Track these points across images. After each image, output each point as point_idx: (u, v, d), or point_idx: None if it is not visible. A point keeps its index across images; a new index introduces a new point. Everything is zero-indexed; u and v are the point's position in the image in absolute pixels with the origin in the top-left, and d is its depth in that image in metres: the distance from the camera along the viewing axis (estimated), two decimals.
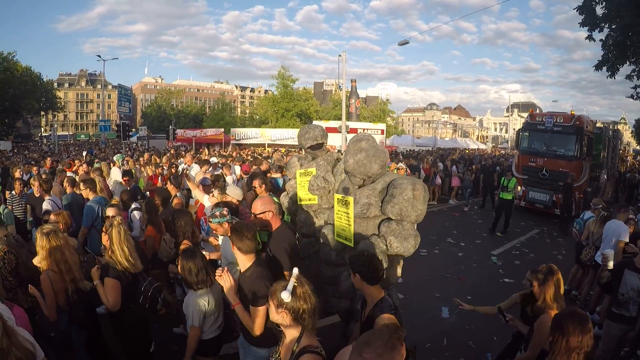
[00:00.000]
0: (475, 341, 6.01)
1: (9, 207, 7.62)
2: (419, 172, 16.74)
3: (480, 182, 18.62)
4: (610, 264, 4.86)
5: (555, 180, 14.82)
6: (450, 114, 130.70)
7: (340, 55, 26.88)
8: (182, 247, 5.20)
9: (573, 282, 8.21)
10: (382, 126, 35.83)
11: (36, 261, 3.99)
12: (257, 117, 59.62)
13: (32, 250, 4.25)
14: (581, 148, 14.81)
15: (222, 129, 38.65)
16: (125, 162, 12.54)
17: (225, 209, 4.85)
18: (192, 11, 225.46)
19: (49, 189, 7.75)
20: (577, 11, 14.37)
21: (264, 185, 7.05)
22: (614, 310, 5.07)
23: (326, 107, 55.32)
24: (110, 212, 5.55)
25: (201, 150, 27.39)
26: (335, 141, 27.25)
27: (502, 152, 49.90)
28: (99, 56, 40.97)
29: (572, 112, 15.77)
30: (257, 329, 3.29)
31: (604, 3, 13.80)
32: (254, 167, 12.39)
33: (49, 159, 15.85)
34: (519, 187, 14.72)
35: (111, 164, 11.95)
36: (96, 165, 11.90)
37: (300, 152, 6.58)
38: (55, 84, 74.99)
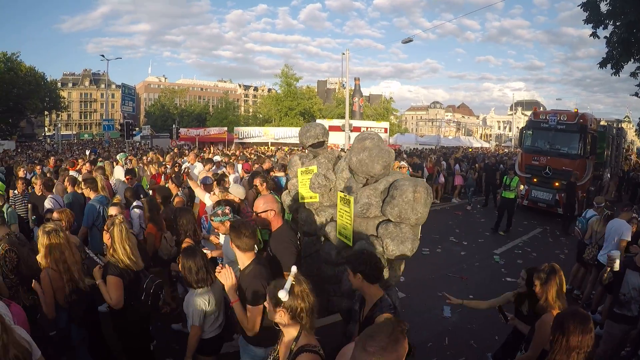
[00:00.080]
0: (477, 340, 6.00)
1: (12, 206, 7.64)
2: (422, 171, 16.69)
3: (482, 180, 18.55)
4: (617, 265, 4.84)
5: (558, 178, 14.76)
6: (453, 113, 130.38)
7: (343, 54, 26.89)
8: (183, 245, 5.20)
9: (575, 281, 8.18)
10: (386, 124, 35.91)
11: (39, 258, 4.00)
12: (261, 115, 59.73)
13: (34, 249, 4.26)
14: (585, 146, 14.72)
15: (226, 128, 38.69)
16: (128, 161, 12.55)
17: (227, 207, 4.86)
18: (195, 10, 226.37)
19: (50, 187, 7.77)
20: (581, 8, 14.27)
21: (265, 184, 7.04)
22: (616, 311, 5.05)
23: (329, 105, 55.37)
24: (112, 211, 5.58)
25: (205, 149, 27.42)
26: (338, 140, 27.27)
27: (506, 150, 49.75)
28: (103, 56, 41.22)
29: (576, 110, 15.66)
30: (252, 327, 3.28)
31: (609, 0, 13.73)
32: (256, 165, 12.39)
33: (52, 158, 15.89)
34: (522, 186, 14.67)
35: (114, 163, 11.96)
36: (99, 164, 11.93)
37: (304, 150, 6.56)
38: (59, 83, 75.29)
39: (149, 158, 15.02)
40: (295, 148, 27.33)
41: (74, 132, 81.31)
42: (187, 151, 21.60)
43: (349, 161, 4.84)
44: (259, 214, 4.11)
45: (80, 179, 8.31)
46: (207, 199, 6.88)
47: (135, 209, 6.84)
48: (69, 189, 7.81)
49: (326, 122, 30.43)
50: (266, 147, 31.37)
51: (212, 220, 4.85)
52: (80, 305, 4.04)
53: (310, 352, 2.39)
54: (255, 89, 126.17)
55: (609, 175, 19.44)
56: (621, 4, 13.08)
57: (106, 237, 4.06)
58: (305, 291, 2.49)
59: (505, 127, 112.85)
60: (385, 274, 4.46)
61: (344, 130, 26.50)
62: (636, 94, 15.77)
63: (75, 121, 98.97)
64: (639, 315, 4.97)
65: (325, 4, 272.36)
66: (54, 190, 7.87)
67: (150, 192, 9.01)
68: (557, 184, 14.78)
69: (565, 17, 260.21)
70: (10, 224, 6.46)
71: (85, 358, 4.29)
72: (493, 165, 19.16)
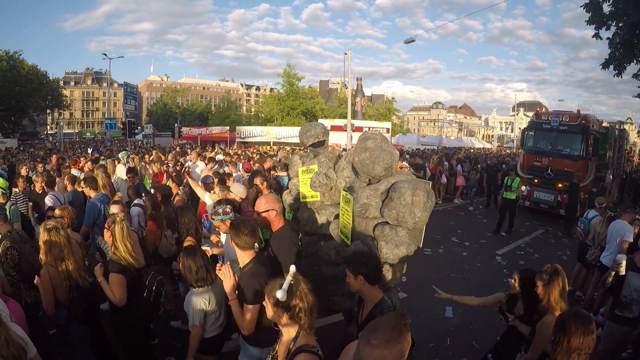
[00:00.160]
0: (479, 341, 5.98)
1: (14, 204, 7.64)
2: (425, 171, 16.67)
3: (484, 181, 18.52)
4: (623, 270, 4.84)
5: (560, 180, 14.73)
6: (455, 113, 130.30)
7: (345, 54, 26.93)
8: (185, 243, 5.20)
9: (577, 282, 8.18)
10: (388, 125, 35.92)
11: (40, 255, 4.01)
12: (263, 115, 59.74)
13: (35, 246, 4.26)
14: (587, 148, 14.68)
15: (228, 127, 38.67)
16: (130, 159, 12.56)
17: (228, 206, 4.86)
18: (197, 10, 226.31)
19: (52, 184, 7.78)
20: (584, 9, 14.26)
21: (265, 183, 7.05)
22: (617, 313, 5.05)
23: (332, 105, 55.35)
24: (113, 209, 5.58)
25: (207, 148, 27.43)
26: (340, 140, 27.27)
27: (508, 151, 49.69)
28: (105, 54, 41.11)
29: (578, 111, 15.59)
30: (247, 327, 3.27)
31: (611, 0, 13.69)
32: (257, 165, 12.40)
33: (54, 156, 15.90)
34: (524, 187, 14.66)
35: (115, 162, 11.97)
36: (101, 162, 11.94)
37: (305, 150, 6.54)
38: (61, 82, 75.34)
39: (151, 157, 15.02)
40: (297, 148, 27.34)
41: (76, 131, 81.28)
42: (189, 150, 21.64)
43: (352, 161, 4.81)
44: (260, 214, 4.07)
45: (81, 177, 8.32)
46: (208, 198, 6.88)
47: (134, 207, 6.84)
48: (69, 188, 7.82)
49: (328, 122, 30.51)
50: (268, 147, 31.35)
51: (213, 219, 4.85)
52: (80, 302, 4.04)
53: (309, 353, 2.38)
54: (258, 88, 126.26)
55: (611, 176, 19.39)
56: (624, 5, 13.06)
57: (107, 235, 4.05)
58: (303, 291, 2.48)
59: (507, 128, 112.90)
60: (387, 275, 4.44)
61: (346, 130, 26.51)
62: (639, 96, 15.75)
63: (77, 120, 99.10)
64: (639, 316, 4.97)
65: (327, 4, 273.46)
66: (55, 188, 7.88)
67: (152, 190, 9.04)
68: (559, 185, 14.74)
69: (568, 18, 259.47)
70: (13, 222, 6.46)
71: (86, 355, 4.29)
72: (495, 166, 19.13)
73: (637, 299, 4.89)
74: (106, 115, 48.90)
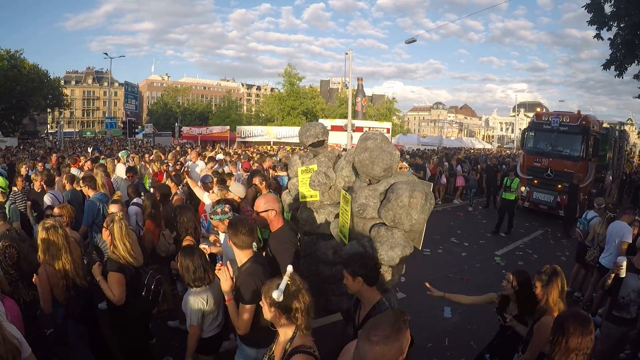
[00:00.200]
0: (477, 341, 5.97)
1: (14, 203, 7.63)
2: (425, 171, 16.65)
3: (484, 182, 18.50)
4: (623, 272, 4.84)
5: (560, 180, 14.72)
6: (456, 113, 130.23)
7: (346, 54, 26.92)
8: (184, 243, 5.20)
9: (575, 283, 8.18)
10: (388, 125, 35.91)
11: (39, 253, 4.01)
12: (263, 115, 59.72)
13: (34, 245, 4.26)
14: (587, 148, 14.67)
15: (228, 127, 38.65)
16: (130, 158, 12.56)
17: (227, 206, 4.85)
18: (199, 9, 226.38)
19: (51, 183, 7.78)
20: (585, 9, 14.23)
21: (264, 182, 7.05)
22: (615, 313, 5.06)
23: (332, 105, 55.35)
24: (113, 208, 5.57)
25: (208, 147, 27.43)
26: (341, 139, 27.28)
27: (508, 152, 49.66)
28: (106, 54, 41.11)
29: (579, 112, 15.58)
30: (243, 326, 3.26)
31: (613, 1, 13.65)
32: (256, 164, 12.40)
33: (54, 155, 15.91)
34: (523, 188, 14.65)
35: (115, 161, 11.97)
36: (101, 161, 11.94)
37: (304, 150, 6.54)
38: (62, 81, 75.29)
39: (151, 156, 15.01)
40: (297, 147, 27.33)
41: (77, 130, 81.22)
42: (189, 149, 21.63)
43: (352, 160, 4.80)
44: (259, 213, 4.04)
45: (80, 176, 8.31)
46: (206, 198, 6.88)
47: (132, 206, 6.83)
48: (67, 187, 7.81)
49: (329, 122, 30.52)
50: (268, 146, 31.35)
51: (212, 219, 4.84)
52: (77, 301, 4.04)
53: (305, 354, 2.37)
54: (258, 88, 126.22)
55: (610, 177, 19.37)
56: (626, 5, 13.03)
57: (105, 234, 4.04)
58: (300, 291, 2.47)
59: (507, 129, 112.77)
60: (386, 276, 4.42)
61: (346, 130, 26.52)
62: (639, 97, 15.72)
63: (77, 119, 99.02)
64: (637, 316, 4.98)
65: (328, 4, 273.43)
66: (55, 187, 7.88)
67: (152, 190, 9.04)
68: (559, 186, 14.74)
69: (569, 18, 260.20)
70: (12, 221, 6.45)
71: (83, 354, 4.29)
72: (494, 167, 19.11)
73: (635, 299, 4.89)
74: (107, 115, 48.92)
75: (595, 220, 7.86)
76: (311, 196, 5.85)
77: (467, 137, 77.96)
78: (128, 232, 4.07)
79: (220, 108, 68.22)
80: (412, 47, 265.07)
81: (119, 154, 13.85)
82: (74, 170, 10.18)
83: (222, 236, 5.15)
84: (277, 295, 2.38)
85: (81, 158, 14.10)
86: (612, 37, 14.19)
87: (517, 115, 78.42)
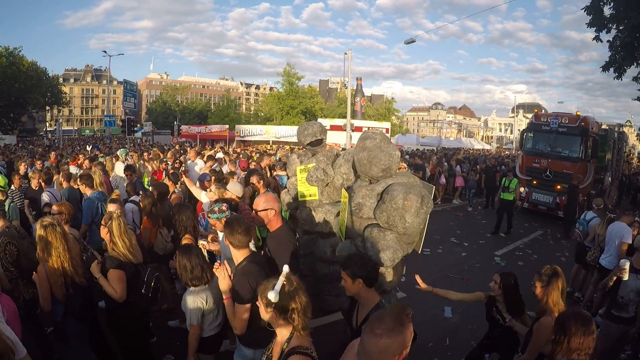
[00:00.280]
0: (478, 341, 5.98)
1: (13, 202, 7.61)
2: (424, 172, 16.64)
3: (482, 182, 18.50)
4: (626, 276, 4.85)
5: (559, 181, 14.72)
6: (455, 114, 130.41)
7: (346, 54, 26.96)
8: (183, 241, 5.19)
9: (575, 283, 8.19)
10: (387, 125, 35.90)
11: (38, 250, 4.00)
12: (262, 114, 59.64)
13: (33, 243, 4.25)
14: (586, 150, 14.66)
15: (227, 126, 38.59)
16: (129, 156, 12.53)
17: (225, 204, 4.83)
18: (198, 8, 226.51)
19: (49, 181, 7.76)
20: (584, 11, 14.26)
21: (262, 181, 7.04)
22: (614, 313, 5.09)
23: (331, 105, 55.39)
24: (111, 207, 5.55)
25: (207, 146, 27.39)
26: (340, 139, 27.29)
27: (507, 152, 49.70)
28: (105, 52, 41.21)
29: (578, 113, 15.58)
30: (239, 326, 3.25)
31: (612, 3, 13.68)
32: (254, 164, 12.39)
33: (53, 153, 15.88)
34: (522, 188, 14.64)
35: (113, 159, 11.95)
36: (100, 159, 11.92)
37: (303, 149, 6.52)
38: (61, 79, 75.02)
39: (150, 155, 14.98)
40: (296, 147, 27.31)
41: (75, 128, 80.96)
42: (188, 148, 21.61)
43: (353, 159, 4.77)
44: (258, 212, 4.01)
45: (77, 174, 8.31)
46: (204, 197, 6.87)
47: (128, 204, 6.80)
48: (64, 185, 7.81)
49: (328, 122, 30.53)
50: (268, 146, 31.32)
51: (209, 217, 4.82)
52: (77, 299, 4.02)
53: (301, 355, 2.35)
54: (257, 87, 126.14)
55: (610, 179, 19.38)
56: (625, 8, 13.07)
57: (104, 232, 4.03)
58: (297, 292, 2.45)
59: (506, 130, 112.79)
60: (387, 277, 4.40)
61: (345, 130, 26.52)
62: (638, 98, 15.75)
63: (76, 117, 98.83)
64: (636, 315, 5.00)
65: (327, 4, 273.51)
66: (55, 185, 7.86)
67: (151, 188, 9.03)
68: (558, 186, 14.74)
69: (569, 20, 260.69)
70: (12, 219, 6.44)
71: (83, 353, 4.27)
72: (493, 167, 19.12)
73: (634, 299, 4.92)
74: (105, 113, 48.94)
75: (595, 221, 7.87)
76: (310, 195, 5.84)
77: (466, 137, 77.99)
78: (126, 229, 4.07)
79: (219, 107, 68.12)
80: (411, 47, 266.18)
81: (118, 152, 13.82)
82: (73, 168, 10.16)
83: (220, 235, 5.15)
84: (272, 296, 2.36)
85: (80, 156, 14.07)
86: (611, 40, 14.24)
87: (516, 116, 78.40)
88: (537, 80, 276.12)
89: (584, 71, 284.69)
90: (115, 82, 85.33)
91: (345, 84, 50.24)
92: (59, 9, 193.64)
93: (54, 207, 5.12)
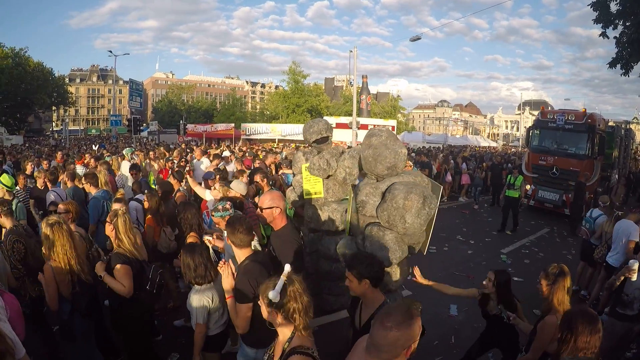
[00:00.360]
0: None
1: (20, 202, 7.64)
2: (431, 169, 16.58)
3: (489, 179, 18.39)
4: (635, 276, 4.83)
5: (565, 179, 14.65)
6: (461, 111, 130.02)
7: (351, 51, 26.85)
8: (188, 239, 5.19)
9: (581, 281, 8.15)
10: (393, 122, 35.91)
11: (44, 249, 4.02)
12: (268, 112, 59.86)
13: (40, 241, 4.27)
14: (593, 147, 14.53)
15: (233, 124, 38.76)
16: (135, 155, 12.56)
17: (229, 202, 4.83)
18: (203, 7, 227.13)
19: (55, 181, 7.80)
20: (591, 8, 14.15)
21: (265, 180, 7.04)
22: (619, 310, 5.09)
23: (337, 103, 55.43)
24: (116, 206, 5.56)
25: (213, 145, 27.45)
26: (346, 137, 27.28)
27: (513, 150, 49.50)
28: (111, 52, 41.44)
29: (584, 110, 15.47)
30: (240, 325, 3.25)
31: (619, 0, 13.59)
32: (258, 161, 12.40)
33: (59, 152, 15.94)
34: (528, 186, 14.57)
35: (119, 159, 11.99)
36: (106, 158, 11.96)
37: (309, 147, 6.51)
38: (67, 79, 75.27)
39: (156, 154, 15.01)
40: (302, 145, 27.32)
41: (82, 128, 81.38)
42: (194, 147, 21.65)
43: (359, 156, 4.75)
44: (263, 210, 3.98)
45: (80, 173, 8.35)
46: (208, 195, 6.88)
47: (132, 202, 6.81)
48: (69, 184, 7.86)
49: (333, 120, 30.52)
50: (273, 144, 31.36)
51: (213, 216, 4.82)
52: (83, 297, 4.04)
53: (302, 355, 2.33)
54: (263, 85, 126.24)
55: (616, 176, 19.25)
56: (631, 3, 12.94)
57: (109, 229, 4.06)
58: (298, 291, 2.42)
59: (512, 127, 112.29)
60: (393, 276, 4.38)
61: (351, 128, 26.49)
62: None
63: (82, 116, 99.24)
64: (639, 312, 4.99)
65: (332, 2, 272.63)
66: (61, 185, 7.90)
67: (157, 187, 9.05)
68: (564, 184, 14.69)
69: (575, 16, 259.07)
70: (20, 219, 6.46)
71: (89, 350, 4.29)
72: (499, 165, 19.05)
73: (639, 297, 4.90)
74: (111, 112, 49.14)
75: (602, 218, 7.83)
76: (315, 193, 5.85)
77: (472, 135, 77.69)
78: (131, 225, 4.11)
79: (224, 106, 68.33)
80: (416, 45, 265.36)
81: (124, 152, 13.87)
82: (79, 168, 10.20)
83: (224, 233, 5.16)
84: (273, 295, 2.34)
85: (86, 155, 14.12)
86: (617, 36, 14.11)
87: (523, 113, 78.05)
88: (544, 77, 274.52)
89: (590, 68, 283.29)
90: (121, 82, 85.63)
91: (350, 82, 50.21)
92: (64, 10, 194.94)
93: (61, 206, 5.14)
